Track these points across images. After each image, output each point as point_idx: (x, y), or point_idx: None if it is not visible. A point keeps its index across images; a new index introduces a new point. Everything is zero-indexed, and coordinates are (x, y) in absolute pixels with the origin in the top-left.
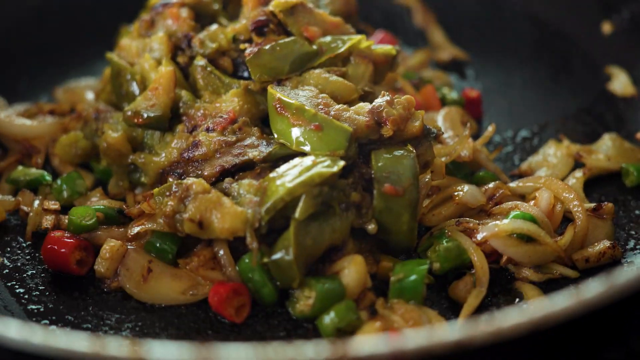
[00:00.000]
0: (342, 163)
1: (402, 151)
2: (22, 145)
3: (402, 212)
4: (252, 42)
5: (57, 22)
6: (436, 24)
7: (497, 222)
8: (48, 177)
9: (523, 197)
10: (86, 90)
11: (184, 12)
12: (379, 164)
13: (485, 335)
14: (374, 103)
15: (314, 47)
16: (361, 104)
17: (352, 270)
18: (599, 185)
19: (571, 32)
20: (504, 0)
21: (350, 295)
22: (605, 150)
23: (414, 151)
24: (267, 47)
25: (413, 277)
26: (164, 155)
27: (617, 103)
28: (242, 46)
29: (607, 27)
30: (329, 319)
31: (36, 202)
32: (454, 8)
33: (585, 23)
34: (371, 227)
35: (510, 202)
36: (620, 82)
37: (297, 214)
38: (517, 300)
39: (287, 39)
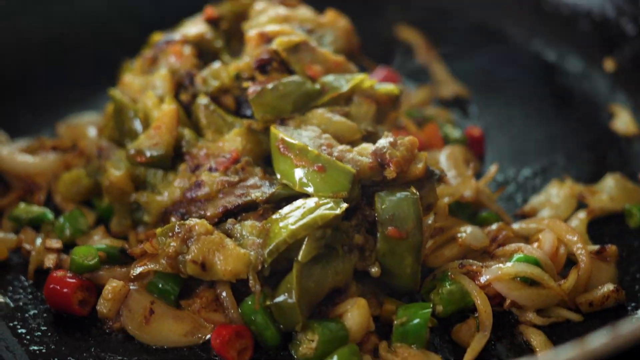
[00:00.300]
0: (345, 205)
1: (405, 193)
2: (24, 181)
3: (405, 255)
4: (254, 80)
5: (60, 56)
6: (438, 59)
7: (501, 265)
8: (50, 215)
9: (526, 239)
10: (88, 126)
11: (187, 50)
12: (383, 207)
13: None
14: (377, 144)
15: (317, 86)
16: (364, 145)
17: (356, 313)
18: (602, 226)
19: (574, 69)
20: (506, 37)
21: (354, 339)
22: (609, 190)
23: (417, 193)
24: (270, 86)
25: (416, 321)
26: (166, 194)
27: (620, 142)
28: (244, 84)
29: (609, 65)
30: None
31: (38, 241)
32: (456, 44)
33: (588, 60)
34: (374, 270)
35: (513, 244)
36: (622, 121)
37: (300, 257)
38: (521, 341)
39: (290, 78)
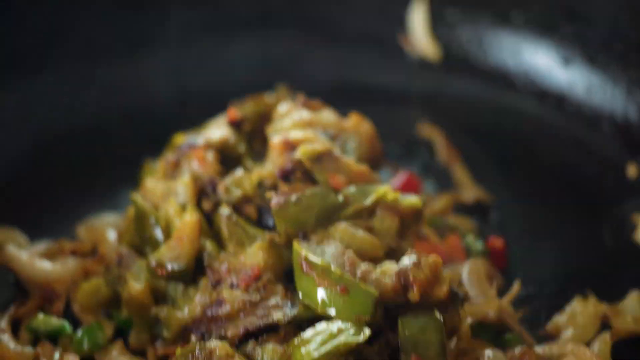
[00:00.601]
0: (368, 332)
1: (429, 318)
2: (42, 288)
3: None
4: (277, 189)
5: (79, 154)
6: (460, 161)
7: None
8: (69, 328)
9: None
10: (108, 228)
11: (210, 156)
12: (406, 333)
13: None
14: (400, 265)
15: (340, 198)
16: (388, 265)
17: None
18: (627, 347)
19: (598, 176)
20: (533, 144)
21: None
22: (633, 310)
23: (441, 318)
24: (293, 198)
25: None
26: (187, 310)
27: None
28: (267, 194)
29: (632, 170)
30: None
31: (56, 355)
32: (480, 147)
33: (611, 167)
34: None
35: None
36: None
37: None
38: None
39: (313, 190)
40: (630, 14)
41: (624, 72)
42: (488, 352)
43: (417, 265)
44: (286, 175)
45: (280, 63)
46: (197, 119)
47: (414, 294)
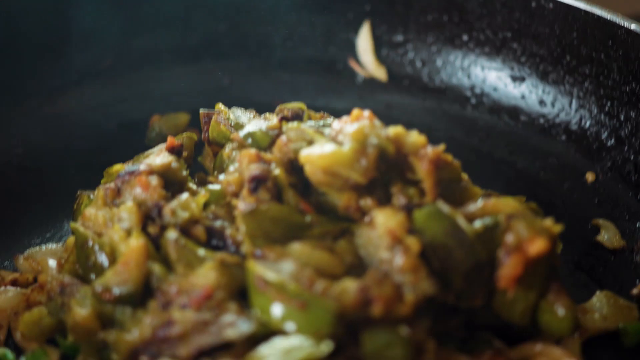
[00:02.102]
0: (328, 346)
1: (393, 334)
2: None
3: None
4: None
5: (15, 187)
6: None
7: None
8: (11, 357)
9: None
10: (48, 258)
11: (154, 180)
12: (369, 348)
13: None
14: (362, 281)
15: (308, 218)
16: (348, 282)
17: None
18: (596, 346)
19: (557, 182)
20: (488, 152)
21: None
22: (600, 308)
23: (407, 333)
24: (264, 207)
25: None
26: (136, 332)
27: (607, 256)
28: (233, 201)
29: (590, 177)
30: None
31: None
32: None
33: (570, 173)
34: None
35: None
36: (608, 234)
37: None
38: None
39: (282, 205)
40: (577, 29)
41: (576, 84)
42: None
43: (380, 281)
44: (257, 182)
45: (223, 90)
46: (135, 149)
47: (377, 309)
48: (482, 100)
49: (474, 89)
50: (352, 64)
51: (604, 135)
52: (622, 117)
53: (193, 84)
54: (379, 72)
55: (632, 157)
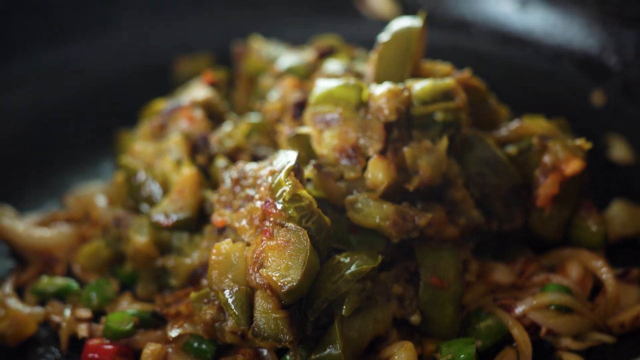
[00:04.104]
0: (380, 258)
1: (444, 248)
2: (42, 255)
3: (446, 305)
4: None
5: (54, 130)
6: None
7: (534, 295)
8: (75, 286)
9: (552, 270)
10: (96, 196)
11: (198, 113)
12: (425, 258)
13: None
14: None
15: None
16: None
17: (404, 356)
18: (617, 252)
19: (565, 102)
20: (494, 83)
21: None
22: (618, 217)
23: (455, 250)
24: (305, 129)
25: (462, 356)
26: (195, 256)
27: (619, 170)
28: (277, 127)
29: (597, 98)
30: None
31: (67, 312)
32: None
33: (577, 95)
34: (414, 318)
35: (541, 275)
36: (618, 150)
37: (344, 312)
38: None
39: None
40: None
41: (581, 9)
42: (493, 265)
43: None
44: (300, 108)
45: (242, 31)
46: (159, 91)
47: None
48: (486, 32)
49: (478, 20)
50: (360, 3)
51: (610, 58)
52: (626, 40)
53: (214, 26)
54: (386, 10)
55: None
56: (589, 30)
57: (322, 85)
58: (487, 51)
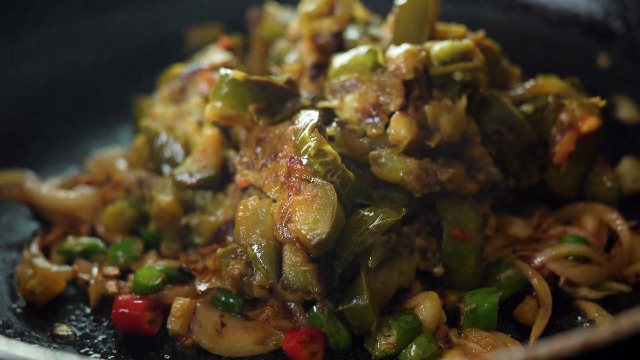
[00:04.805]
0: (403, 210)
1: (465, 203)
2: (66, 217)
3: (468, 257)
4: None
5: (69, 96)
6: None
7: (553, 247)
8: (101, 245)
9: (567, 223)
10: (116, 159)
11: (217, 76)
12: (446, 211)
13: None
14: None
15: None
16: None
17: (429, 305)
18: (629, 206)
19: (571, 67)
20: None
21: (427, 330)
22: (629, 173)
23: (475, 204)
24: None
25: (486, 305)
26: (220, 213)
27: (626, 129)
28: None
29: (603, 60)
30: (413, 352)
31: (95, 270)
32: None
33: (583, 58)
34: (437, 269)
35: (558, 228)
36: (626, 109)
37: (370, 263)
38: (579, 318)
39: None
40: None
41: None
42: (511, 220)
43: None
44: (318, 69)
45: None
46: (172, 59)
47: (449, 186)
48: None
49: None
50: None
51: (615, 22)
52: (630, 4)
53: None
54: None
55: None
56: None
57: (337, 60)
58: (493, 18)
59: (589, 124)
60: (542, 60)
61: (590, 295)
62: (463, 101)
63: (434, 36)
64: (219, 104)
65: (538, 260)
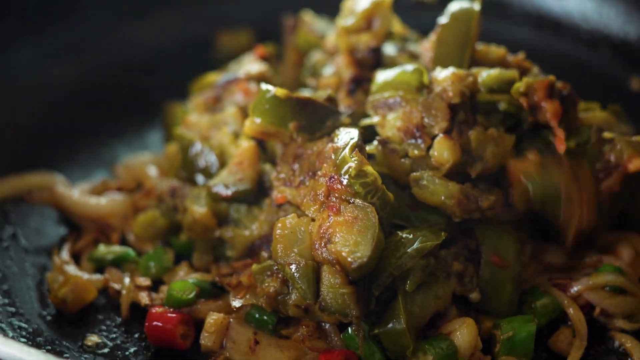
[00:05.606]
0: (443, 234)
1: (504, 229)
2: (96, 223)
3: (505, 284)
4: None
5: (99, 102)
6: None
7: (590, 276)
8: (133, 254)
9: (602, 252)
10: (146, 166)
11: (253, 87)
12: (486, 237)
13: None
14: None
15: None
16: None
17: (465, 332)
18: None
19: (602, 94)
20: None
21: (462, 356)
22: None
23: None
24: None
25: (524, 334)
26: (254, 228)
27: None
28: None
29: (636, 84)
30: None
31: (127, 280)
32: None
33: (615, 84)
34: (474, 295)
35: (593, 257)
36: None
37: (407, 287)
38: (613, 348)
39: None
40: None
41: None
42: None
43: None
44: (356, 83)
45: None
46: (205, 64)
47: (489, 212)
48: (521, 14)
49: (514, 2)
50: None
51: None
52: None
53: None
54: None
55: None
56: (627, 16)
57: (381, 76)
58: (523, 37)
59: (636, 164)
60: (573, 81)
61: (625, 327)
62: (512, 139)
63: (475, 57)
64: (258, 120)
65: (574, 289)
